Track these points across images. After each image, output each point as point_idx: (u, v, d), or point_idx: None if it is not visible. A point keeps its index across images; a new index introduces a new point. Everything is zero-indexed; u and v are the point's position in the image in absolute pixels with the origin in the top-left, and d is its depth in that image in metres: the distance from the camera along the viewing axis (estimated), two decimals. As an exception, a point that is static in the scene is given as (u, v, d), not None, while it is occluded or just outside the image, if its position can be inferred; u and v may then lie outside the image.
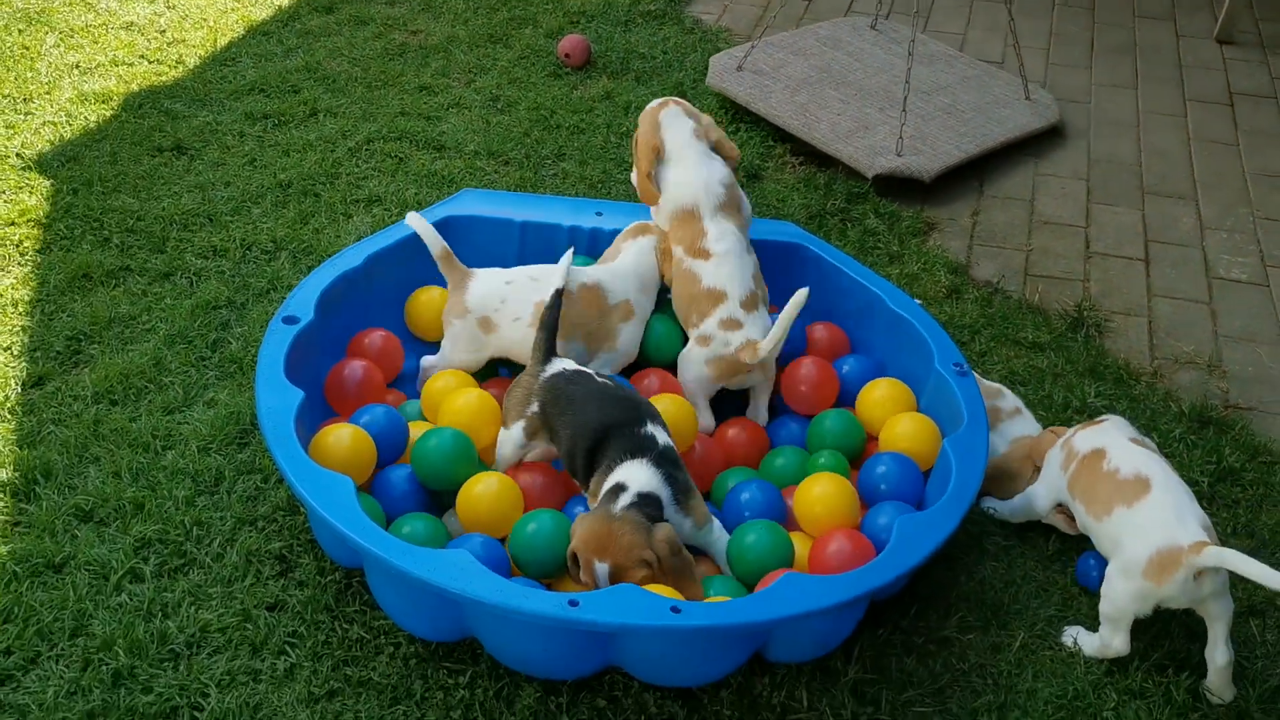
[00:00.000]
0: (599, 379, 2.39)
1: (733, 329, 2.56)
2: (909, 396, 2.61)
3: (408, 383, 2.77)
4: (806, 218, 3.55)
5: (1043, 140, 4.08)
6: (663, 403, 2.46)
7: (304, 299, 2.56)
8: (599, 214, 2.96)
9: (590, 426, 2.29)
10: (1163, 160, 4.03)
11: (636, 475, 2.20)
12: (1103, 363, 3.07)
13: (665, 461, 2.24)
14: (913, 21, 4.00)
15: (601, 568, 2.10)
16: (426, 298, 2.83)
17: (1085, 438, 2.41)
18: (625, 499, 2.18)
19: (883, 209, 3.63)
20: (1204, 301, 3.37)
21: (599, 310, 2.64)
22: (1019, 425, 2.63)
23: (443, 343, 2.69)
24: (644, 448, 2.24)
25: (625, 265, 2.71)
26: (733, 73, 4.14)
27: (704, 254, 2.63)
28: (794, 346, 2.73)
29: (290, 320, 2.49)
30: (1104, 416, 2.50)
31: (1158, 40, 4.85)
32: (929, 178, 3.69)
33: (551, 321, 2.48)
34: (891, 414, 2.56)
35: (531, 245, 2.91)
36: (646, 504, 2.18)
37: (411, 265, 2.80)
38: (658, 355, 2.73)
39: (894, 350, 2.74)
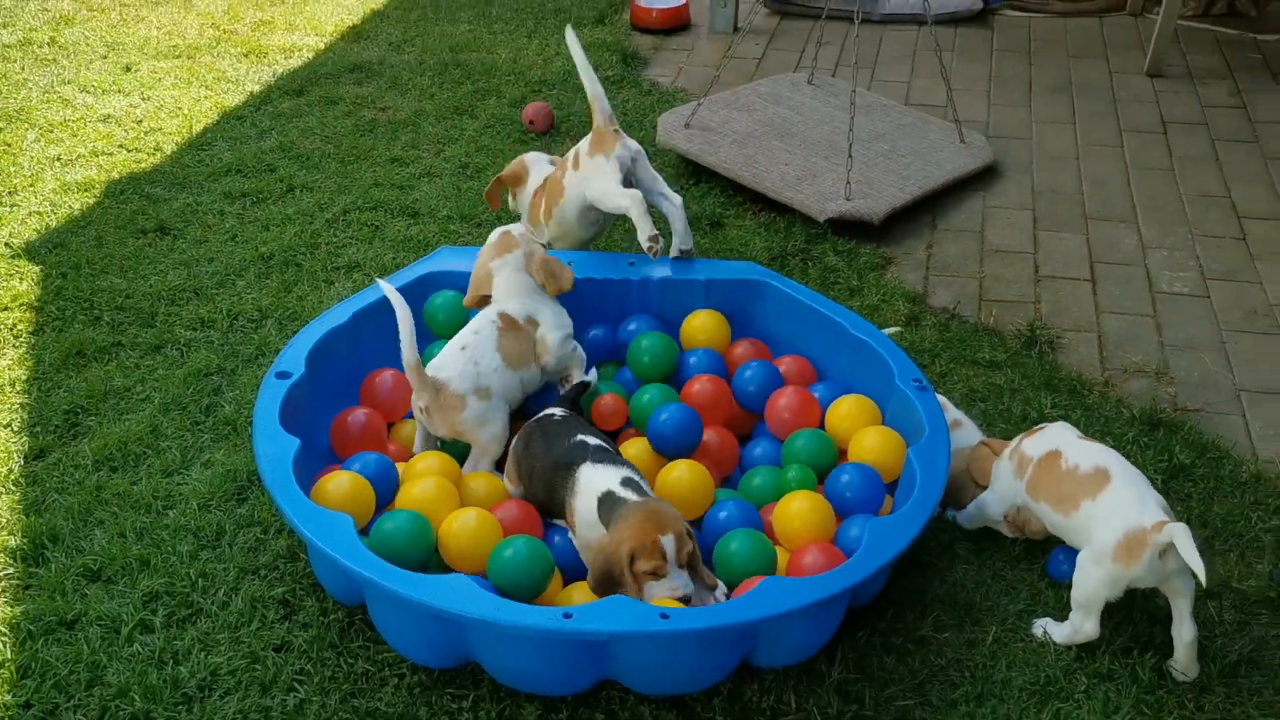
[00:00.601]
0: (555, 420, 2.62)
1: None
2: (873, 410, 2.75)
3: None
4: (769, 259, 3.71)
5: (989, 176, 4.29)
6: (678, 469, 2.60)
7: (295, 355, 2.69)
8: (571, 264, 3.11)
9: (537, 463, 2.52)
10: (1103, 188, 4.24)
11: (604, 476, 2.39)
12: (1057, 376, 3.23)
13: (606, 455, 2.46)
14: (853, 73, 4.21)
15: (668, 540, 2.21)
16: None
17: (1034, 444, 2.55)
18: (626, 493, 2.33)
19: (841, 247, 3.81)
20: (1149, 315, 3.54)
21: (520, 335, 2.77)
22: (961, 436, 2.77)
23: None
24: (582, 451, 2.46)
25: (509, 287, 2.85)
26: (681, 130, 4.33)
27: None
28: (771, 380, 2.87)
29: (283, 375, 2.62)
30: (1042, 425, 2.64)
31: (1091, 77, 5.10)
32: (878, 219, 3.87)
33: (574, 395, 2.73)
34: (858, 428, 2.70)
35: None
36: (632, 485, 2.37)
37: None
38: (655, 370, 2.91)
39: (858, 373, 2.89)
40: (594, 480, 2.39)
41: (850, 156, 3.97)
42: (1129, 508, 2.30)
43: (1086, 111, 4.80)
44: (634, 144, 3.13)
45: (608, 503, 2.34)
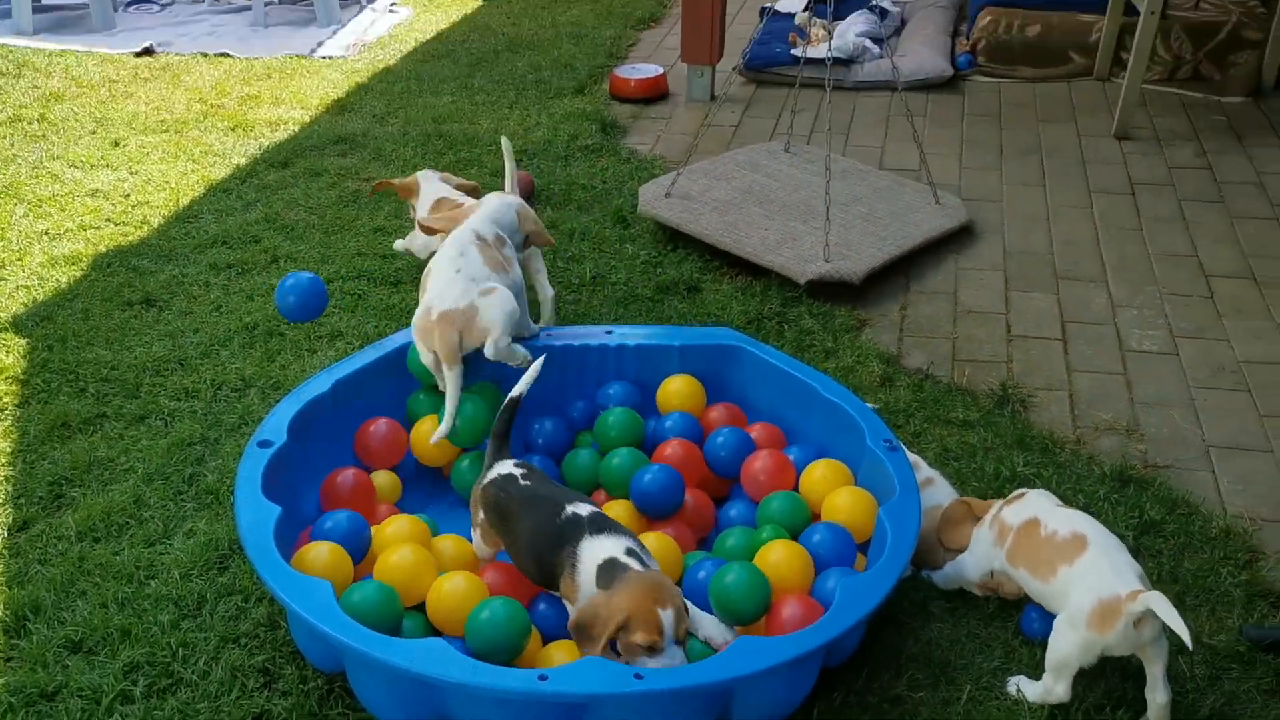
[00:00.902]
0: (521, 482, 2.56)
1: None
2: (846, 473, 2.80)
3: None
4: (745, 322, 3.78)
5: (962, 238, 4.37)
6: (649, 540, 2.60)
7: (277, 424, 2.73)
8: (548, 334, 3.17)
9: (525, 537, 2.47)
10: (1073, 248, 4.33)
11: (605, 545, 2.34)
12: (1029, 435, 3.28)
13: (605, 525, 2.40)
14: (827, 138, 4.30)
15: (668, 615, 2.21)
16: (428, 427, 2.97)
17: (1014, 512, 2.59)
18: (629, 561, 2.30)
19: (816, 310, 3.88)
20: (1119, 373, 3.61)
21: (465, 321, 2.90)
22: (933, 493, 2.82)
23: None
24: (578, 527, 2.39)
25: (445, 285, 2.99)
26: (662, 200, 4.42)
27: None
28: (742, 446, 2.92)
29: (264, 444, 2.66)
30: (1022, 491, 2.68)
31: (1061, 140, 5.22)
32: (858, 280, 3.95)
33: (503, 428, 2.68)
34: (831, 490, 2.74)
35: (487, 364, 3.09)
36: (635, 555, 2.33)
37: (375, 388, 2.99)
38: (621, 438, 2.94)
39: (831, 434, 2.94)
40: (595, 551, 2.35)
41: (828, 220, 4.05)
42: (1104, 575, 2.33)
43: (1056, 173, 4.91)
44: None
45: (608, 569, 2.30)
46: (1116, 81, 5.67)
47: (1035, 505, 2.56)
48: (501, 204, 3.27)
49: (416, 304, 3.75)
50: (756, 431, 3.00)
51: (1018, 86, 5.87)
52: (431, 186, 3.83)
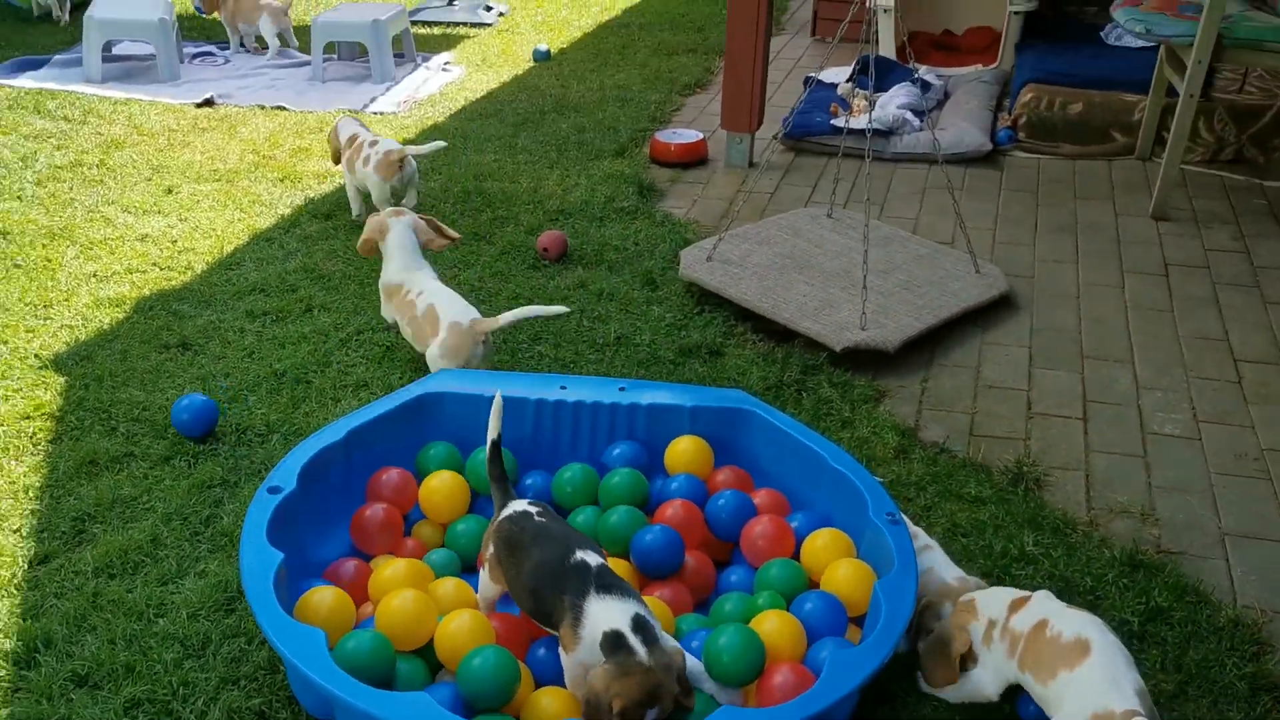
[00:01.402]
0: (536, 519, 2.58)
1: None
2: (848, 544, 2.80)
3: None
4: (764, 388, 3.81)
5: (989, 313, 4.37)
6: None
7: (287, 470, 2.79)
8: (563, 387, 3.22)
9: (526, 569, 2.48)
10: (1101, 327, 4.31)
11: (613, 611, 2.32)
12: (1041, 514, 3.26)
13: (612, 584, 2.38)
14: (865, 207, 4.34)
15: (652, 714, 2.23)
16: (438, 481, 3.04)
17: (1023, 618, 2.49)
18: (634, 641, 2.28)
19: (836, 379, 3.89)
20: (1139, 455, 3.58)
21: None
22: (928, 558, 2.80)
23: None
24: (584, 578, 2.38)
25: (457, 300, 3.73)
26: (703, 263, 4.47)
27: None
28: (744, 510, 2.94)
29: (274, 490, 2.72)
30: (1027, 594, 2.60)
31: (1097, 218, 5.21)
32: (893, 348, 3.97)
33: (497, 471, 2.72)
34: (831, 560, 2.75)
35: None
36: (643, 630, 2.30)
37: (387, 439, 3.06)
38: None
39: (836, 504, 2.95)
40: (601, 616, 2.33)
41: (865, 288, 4.09)
42: (1101, 687, 2.25)
43: (1090, 251, 4.90)
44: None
45: (612, 643, 2.29)
46: (1158, 161, 5.66)
47: (1044, 606, 2.48)
48: (407, 226, 3.93)
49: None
50: (760, 497, 3.01)
51: (1057, 163, 5.88)
52: (348, 127, 5.01)
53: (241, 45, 7.78)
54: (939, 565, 2.81)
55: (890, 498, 2.86)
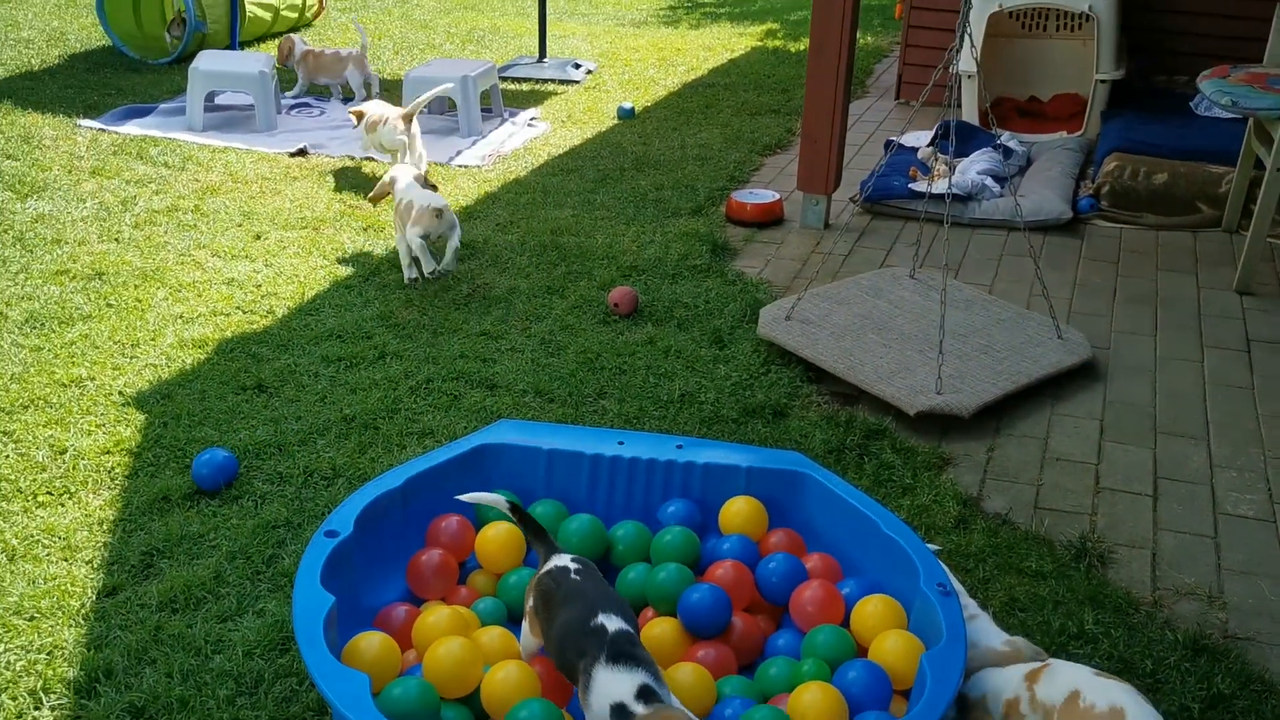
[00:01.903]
0: (572, 576, 2.60)
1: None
2: (899, 613, 2.77)
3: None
4: (826, 452, 3.79)
5: (1061, 383, 4.31)
6: (681, 671, 2.63)
7: (345, 516, 2.86)
8: (620, 443, 3.25)
9: (555, 626, 2.50)
10: (1177, 402, 4.22)
11: (619, 683, 2.30)
12: (1103, 592, 3.19)
13: (623, 652, 2.36)
14: (944, 273, 4.32)
15: None
16: (494, 531, 3.08)
17: (1051, 690, 2.42)
18: (636, 708, 2.26)
19: (900, 444, 3.86)
20: (1209, 536, 3.48)
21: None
22: (974, 627, 2.74)
23: None
24: (599, 643, 2.37)
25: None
26: (781, 322, 4.50)
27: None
28: (794, 574, 2.93)
29: (331, 534, 2.78)
30: (1047, 662, 2.54)
31: (1179, 291, 5.12)
32: (968, 414, 3.93)
33: (532, 527, 2.75)
34: (881, 629, 2.71)
35: (557, 472, 3.21)
36: (648, 696, 2.29)
37: (445, 488, 3.11)
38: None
39: (887, 571, 2.92)
40: (608, 688, 2.31)
41: (941, 352, 4.07)
42: None
43: (1169, 324, 4.81)
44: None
45: (617, 715, 2.28)
46: (1244, 234, 5.54)
47: (1074, 676, 2.43)
48: (410, 174, 5.13)
49: (508, 406, 3.91)
50: (813, 561, 3.00)
51: (1140, 233, 5.79)
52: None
53: (326, 95, 8.04)
54: (986, 633, 2.76)
55: (942, 568, 2.82)
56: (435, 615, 2.72)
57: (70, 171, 6.26)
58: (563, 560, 2.65)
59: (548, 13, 9.21)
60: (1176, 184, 5.81)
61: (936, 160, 6.28)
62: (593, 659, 2.36)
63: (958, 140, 6.47)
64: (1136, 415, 4.14)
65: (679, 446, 3.26)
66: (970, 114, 7.00)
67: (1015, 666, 2.57)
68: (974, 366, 4.21)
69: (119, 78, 8.24)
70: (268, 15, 9.34)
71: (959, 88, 4.46)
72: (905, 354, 4.30)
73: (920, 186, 5.87)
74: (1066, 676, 2.43)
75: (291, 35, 7.89)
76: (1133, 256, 5.51)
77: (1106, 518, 3.56)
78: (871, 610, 2.77)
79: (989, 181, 5.93)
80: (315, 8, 10.11)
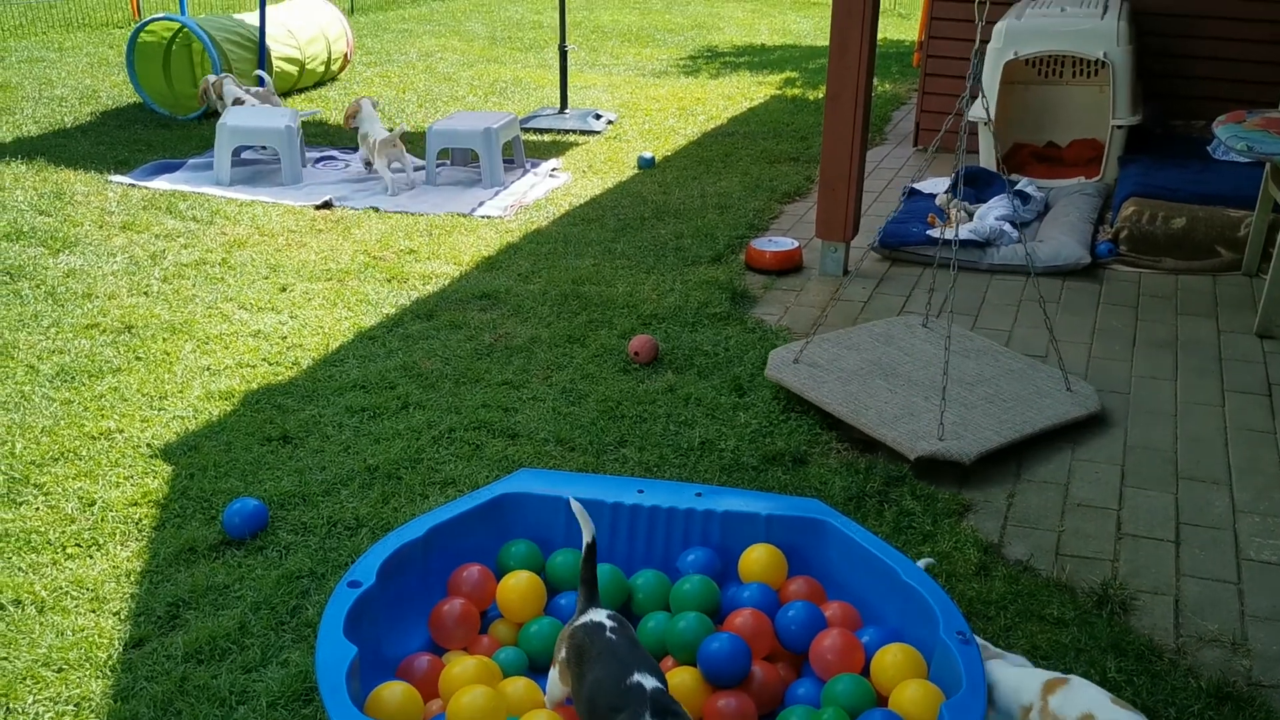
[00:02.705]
0: (607, 634, 2.61)
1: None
2: (919, 662, 2.77)
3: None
4: (846, 499, 3.80)
5: (1082, 428, 4.31)
6: None
7: (368, 566, 2.89)
8: (640, 491, 3.28)
9: (587, 682, 2.50)
10: (1199, 447, 4.21)
11: None
12: (1126, 639, 3.17)
13: (666, 710, 2.37)
14: (948, 318, 4.35)
15: None
16: (514, 580, 3.11)
17: (1066, 706, 2.44)
18: None
19: (920, 491, 3.87)
20: (1232, 582, 3.46)
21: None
22: (993, 666, 2.74)
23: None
24: (640, 700, 2.38)
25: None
26: (789, 365, 4.53)
27: None
28: (813, 622, 2.94)
29: (354, 584, 2.81)
30: (1064, 675, 2.56)
31: (1199, 335, 5.12)
32: (969, 460, 3.94)
33: (589, 574, 2.74)
34: (901, 677, 2.72)
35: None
36: None
37: (467, 538, 3.14)
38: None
39: (907, 619, 2.92)
40: None
41: (944, 398, 4.08)
42: None
43: (1190, 369, 4.81)
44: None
45: None
46: (1264, 277, 5.54)
47: (1092, 698, 2.45)
48: (371, 105, 7.24)
49: (529, 455, 3.96)
50: (832, 609, 3.01)
51: (1159, 278, 5.80)
52: (231, 89, 7.93)
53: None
54: (1003, 664, 2.74)
55: (962, 615, 2.83)
56: (461, 666, 2.74)
57: (101, 226, 6.39)
58: (599, 615, 2.66)
59: (569, 64, 9.36)
60: (1195, 228, 5.82)
61: (954, 206, 6.32)
62: (635, 714, 2.37)
63: (976, 186, 6.53)
64: (1158, 460, 4.13)
65: (698, 494, 3.29)
66: (988, 160, 7.05)
67: (1036, 672, 2.58)
68: (978, 415, 4.21)
69: (149, 134, 8.41)
70: (294, 70, 9.51)
71: (970, 135, 4.50)
72: (911, 400, 4.31)
73: (937, 233, 5.91)
74: (1084, 697, 2.45)
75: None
76: (1152, 301, 5.52)
77: (1128, 564, 3.55)
78: (891, 659, 2.78)
79: (1006, 227, 5.96)
80: (340, 61, 10.29)
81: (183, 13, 10.61)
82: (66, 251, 5.97)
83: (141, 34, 8.88)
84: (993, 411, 4.25)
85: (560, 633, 2.75)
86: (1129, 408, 4.50)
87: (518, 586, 3.07)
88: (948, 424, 4.10)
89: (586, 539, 2.79)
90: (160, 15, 8.99)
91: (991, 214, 6.06)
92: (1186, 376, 4.75)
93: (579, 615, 2.71)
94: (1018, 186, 6.61)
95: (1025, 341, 5.05)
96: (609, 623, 2.65)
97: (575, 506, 2.80)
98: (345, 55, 10.36)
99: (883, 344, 4.80)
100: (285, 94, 9.59)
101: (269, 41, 9.03)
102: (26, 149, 7.84)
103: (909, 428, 4.11)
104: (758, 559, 3.13)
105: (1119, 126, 6.86)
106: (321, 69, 9.97)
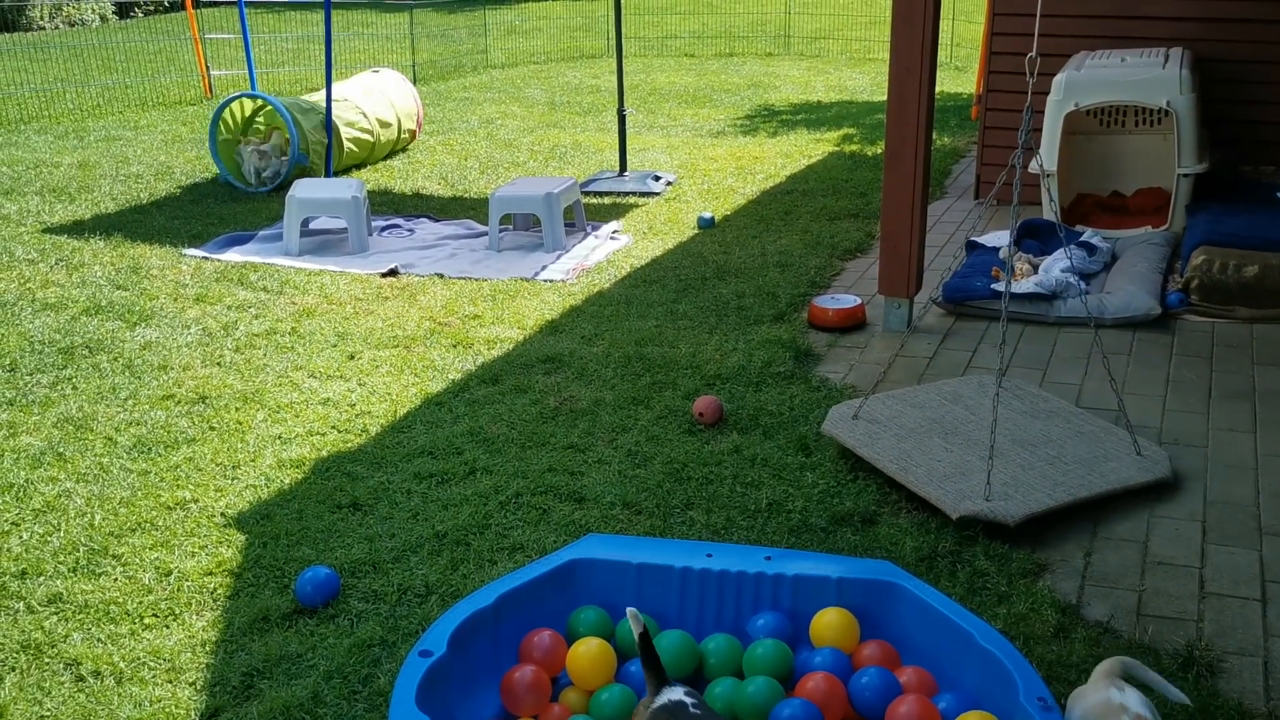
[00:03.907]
0: (691, 710, 2.58)
1: None
2: (997, 730, 2.71)
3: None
4: (917, 559, 3.75)
5: (1160, 484, 4.21)
6: None
7: (439, 635, 2.90)
8: (709, 555, 3.26)
9: None
10: (1282, 500, 4.10)
11: None
12: (1214, 703, 3.07)
13: None
14: (998, 374, 4.29)
15: None
16: (585, 648, 3.09)
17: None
18: None
19: (993, 551, 3.80)
20: (1324, 641, 3.35)
21: None
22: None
23: None
24: None
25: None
26: (848, 421, 4.50)
27: None
28: (887, 688, 2.89)
29: (425, 654, 2.82)
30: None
31: (1277, 385, 4.99)
32: (1013, 522, 3.85)
33: (648, 658, 2.72)
34: (980, 748, 2.66)
35: (647, 586, 3.22)
36: None
37: (537, 604, 3.14)
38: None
39: (985, 685, 2.86)
40: None
41: (991, 456, 4.03)
42: None
43: (1269, 421, 4.69)
44: None
45: None
46: (1343, 324, 5.42)
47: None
48: None
49: (596, 519, 3.96)
50: (907, 675, 2.95)
51: (1232, 327, 5.69)
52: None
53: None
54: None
55: (1041, 680, 2.76)
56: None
57: (176, 299, 6.55)
58: (677, 694, 2.63)
59: (627, 127, 9.47)
60: (1269, 275, 5.71)
61: (1019, 259, 6.27)
62: None
63: (1040, 238, 6.48)
64: (1240, 515, 4.02)
65: (768, 558, 3.26)
66: (1049, 213, 6.99)
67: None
68: (1034, 476, 4.12)
69: (221, 207, 8.64)
70: (369, 139, 9.74)
71: (1032, 187, 4.46)
72: (966, 459, 4.24)
73: (1001, 286, 5.85)
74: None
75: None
76: (1226, 351, 5.41)
77: (1213, 624, 3.45)
78: (969, 728, 2.72)
79: (1073, 279, 5.89)
80: (409, 137, 10.52)
81: (252, 89, 10.95)
82: (143, 324, 6.12)
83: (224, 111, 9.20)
84: (1050, 474, 4.15)
85: (634, 715, 2.71)
86: (1207, 462, 4.40)
87: (588, 654, 3.06)
88: (999, 484, 4.02)
89: (637, 633, 2.76)
90: (244, 93, 9.31)
91: (1057, 266, 6.00)
92: (1266, 428, 4.63)
93: (654, 695, 2.68)
94: (1083, 238, 6.54)
95: (1096, 396, 4.97)
96: (689, 700, 2.62)
97: (632, 613, 2.79)
98: (414, 132, 10.59)
99: (950, 402, 4.74)
100: (357, 166, 9.81)
101: (342, 124, 9.32)
102: (105, 225, 8.09)
103: (956, 486, 4.04)
104: (830, 623, 3.09)
105: (1185, 175, 6.77)
106: (392, 142, 10.20)
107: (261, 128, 9.39)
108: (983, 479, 4.06)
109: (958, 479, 4.08)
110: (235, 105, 9.28)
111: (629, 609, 2.80)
